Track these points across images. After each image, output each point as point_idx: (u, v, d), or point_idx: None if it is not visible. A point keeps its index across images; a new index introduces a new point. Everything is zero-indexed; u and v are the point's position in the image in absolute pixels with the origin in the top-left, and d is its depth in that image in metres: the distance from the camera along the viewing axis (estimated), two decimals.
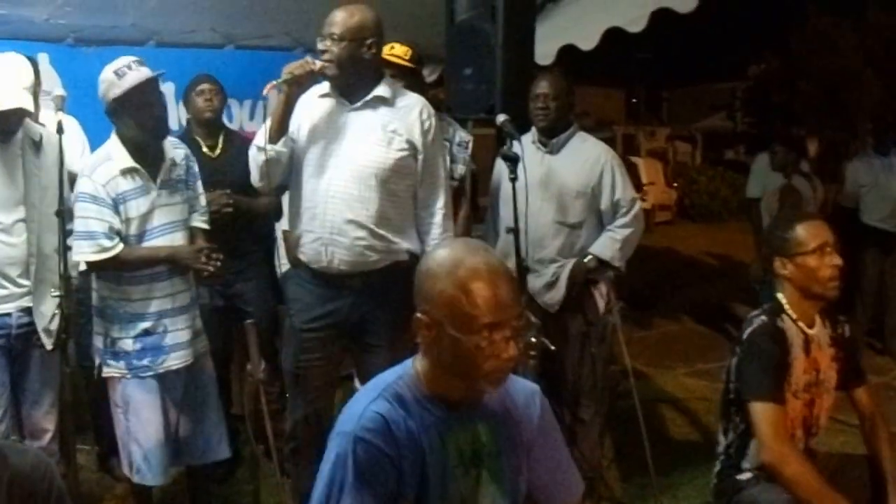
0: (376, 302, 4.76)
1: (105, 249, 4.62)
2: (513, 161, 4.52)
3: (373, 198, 4.67)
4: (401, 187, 4.74)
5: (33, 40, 6.47)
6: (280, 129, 4.65)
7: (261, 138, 4.67)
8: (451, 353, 2.60)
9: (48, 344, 4.71)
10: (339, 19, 4.59)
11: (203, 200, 5.06)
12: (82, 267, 5.04)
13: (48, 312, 4.72)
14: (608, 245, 5.58)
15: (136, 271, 4.72)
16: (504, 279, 2.63)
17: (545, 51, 7.39)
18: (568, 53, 8.01)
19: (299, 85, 4.62)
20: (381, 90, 4.73)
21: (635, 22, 7.53)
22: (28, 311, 4.76)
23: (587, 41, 7.74)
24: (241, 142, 5.88)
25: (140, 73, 4.65)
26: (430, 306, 2.61)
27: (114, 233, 4.63)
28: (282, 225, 5.65)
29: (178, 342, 4.82)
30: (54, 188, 4.63)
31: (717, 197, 28.68)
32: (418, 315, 2.63)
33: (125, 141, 4.72)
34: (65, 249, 4.48)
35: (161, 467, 4.81)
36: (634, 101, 41.91)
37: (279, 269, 5.72)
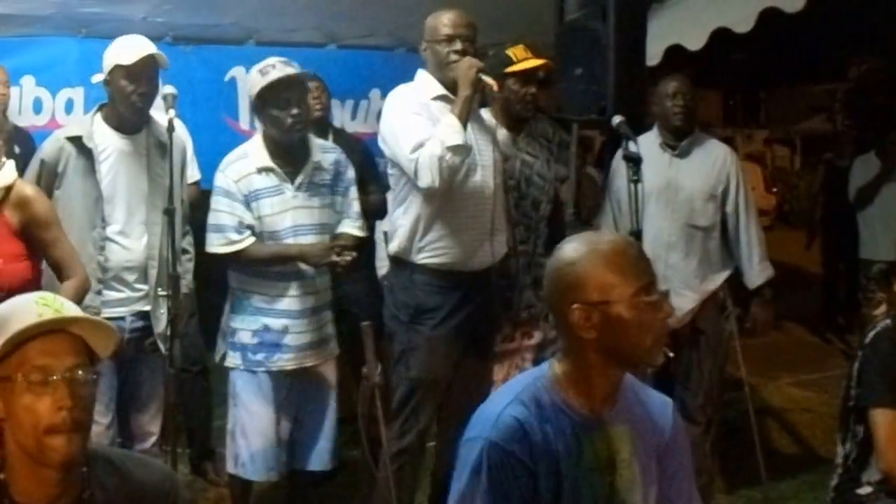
0: (493, 301, 4.85)
1: (232, 243, 4.70)
2: (635, 162, 4.44)
3: (497, 191, 4.78)
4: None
5: None
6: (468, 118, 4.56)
7: (451, 137, 4.45)
8: (613, 332, 2.57)
9: (163, 349, 4.66)
10: (468, 20, 4.63)
11: (357, 207, 5.00)
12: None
13: (165, 318, 4.66)
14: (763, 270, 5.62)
15: (265, 267, 4.75)
16: (634, 246, 2.74)
17: (652, 51, 7.23)
18: (665, 54, 7.88)
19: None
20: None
21: (743, 22, 7.30)
22: (142, 315, 4.71)
23: (695, 41, 7.54)
24: (349, 140, 5.80)
25: (281, 71, 4.67)
26: (581, 293, 2.58)
27: (243, 227, 4.69)
28: (382, 225, 5.61)
29: (298, 344, 4.80)
30: (176, 190, 4.63)
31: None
32: (573, 308, 2.58)
33: (267, 140, 4.76)
34: (174, 248, 4.54)
35: (264, 464, 4.81)
36: (731, 102, 41.24)
37: (378, 270, 5.70)
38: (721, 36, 7.45)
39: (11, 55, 6.27)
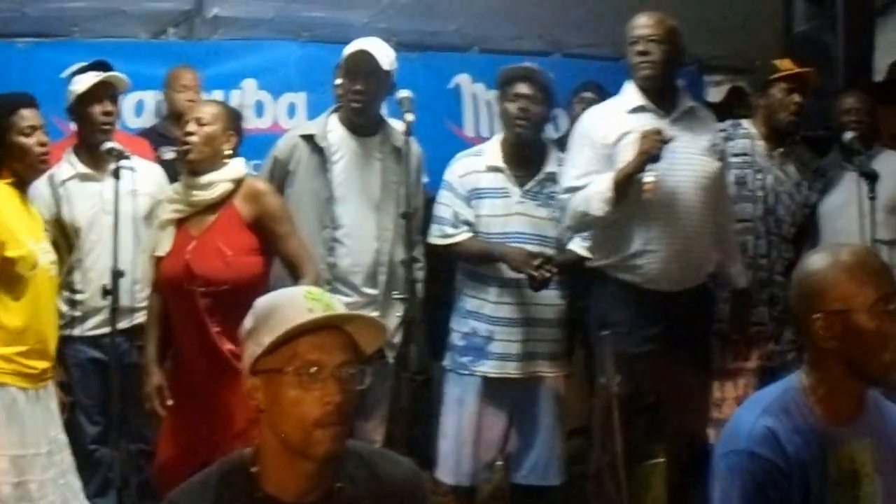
0: (694, 318, 4.67)
1: (447, 236, 4.74)
2: (872, 178, 4.40)
3: (705, 212, 4.58)
4: (715, 201, 4.67)
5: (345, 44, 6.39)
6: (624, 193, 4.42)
7: (596, 206, 4.44)
8: (853, 342, 2.55)
9: (389, 357, 4.58)
10: (655, 21, 4.50)
11: None
12: None
13: (394, 325, 4.56)
14: None
15: (474, 265, 4.74)
16: (876, 256, 2.78)
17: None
18: None
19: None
20: (690, 102, 4.69)
21: None
22: None
23: None
24: None
25: (519, 65, 4.76)
26: (822, 302, 2.58)
27: (459, 222, 4.71)
28: None
29: (506, 352, 4.72)
30: (415, 197, 4.64)
31: None
32: (814, 317, 2.58)
33: (504, 141, 4.77)
34: (411, 252, 4.51)
35: (465, 469, 4.76)
36: None
37: None
38: None
39: (233, 58, 6.32)
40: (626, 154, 4.43)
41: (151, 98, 6.25)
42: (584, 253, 4.73)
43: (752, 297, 4.94)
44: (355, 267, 4.61)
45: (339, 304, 2.36)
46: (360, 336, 2.31)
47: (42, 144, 4.05)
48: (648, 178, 4.35)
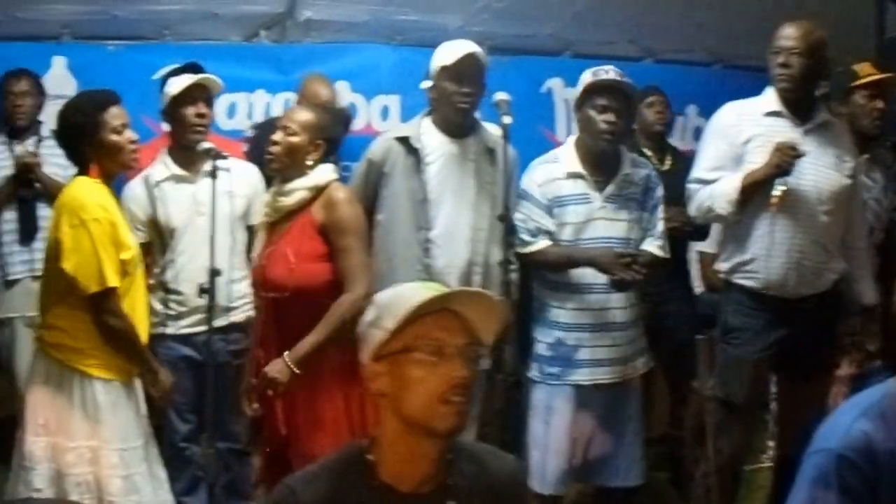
0: (819, 326, 4.60)
1: (525, 244, 4.62)
2: None
3: (829, 225, 4.55)
4: (843, 216, 4.63)
5: None
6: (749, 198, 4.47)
7: (720, 205, 4.53)
8: None
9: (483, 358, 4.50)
10: (800, 33, 4.45)
11: (661, 226, 4.78)
12: None
13: None
14: None
15: (557, 272, 4.63)
16: None
17: None
18: None
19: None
20: (826, 115, 4.65)
21: None
22: None
23: None
24: (685, 159, 5.63)
25: (608, 76, 4.59)
26: None
27: (538, 231, 4.61)
28: (698, 246, 5.61)
29: (594, 358, 4.65)
30: (508, 199, 4.59)
31: None
32: None
33: (579, 145, 4.67)
34: (506, 254, 4.53)
35: (557, 478, 4.67)
36: None
37: (695, 289, 5.75)
38: None
39: (325, 61, 6.27)
40: (755, 155, 4.45)
41: (244, 100, 6.27)
42: (660, 253, 4.71)
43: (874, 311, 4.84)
44: (450, 268, 4.59)
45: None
46: (480, 322, 2.35)
47: (132, 142, 4.07)
48: (777, 190, 4.36)
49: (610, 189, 4.62)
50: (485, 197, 4.62)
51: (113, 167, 4.08)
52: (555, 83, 6.82)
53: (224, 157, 4.49)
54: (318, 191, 4.21)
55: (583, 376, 4.65)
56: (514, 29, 6.52)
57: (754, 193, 4.41)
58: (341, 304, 4.13)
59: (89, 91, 4.30)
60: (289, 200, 4.22)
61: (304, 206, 4.22)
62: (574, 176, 4.62)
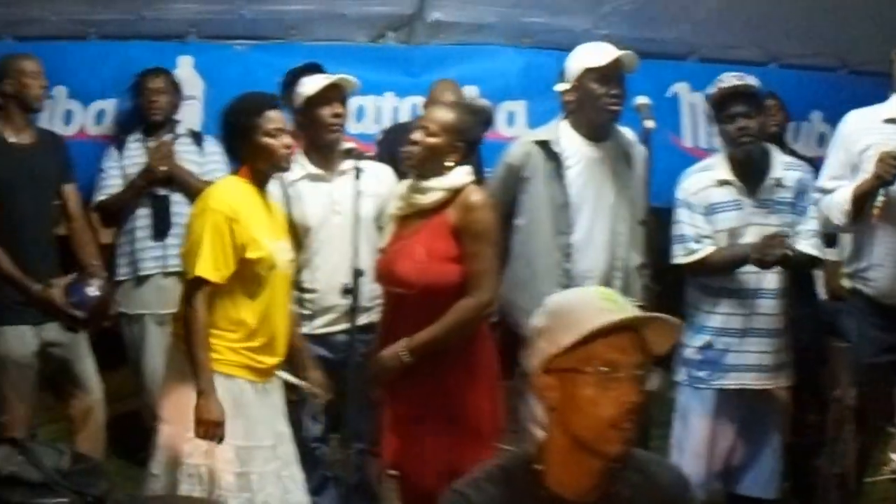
0: None
1: (691, 252, 4.67)
2: None
3: None
4: None
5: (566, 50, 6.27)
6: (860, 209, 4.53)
7: (834, 215, 4.63)
8: None
9: None
10: None
11: (812, 225, 4.73)
12: None
13: None
14: None
15: (725, 273, 4.65)
16: None
17: None
18: None
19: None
20: None
21: None
22: None
23: None
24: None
25: (729, 83, 4.63)
26: None
27: (701, 237, 4.66)
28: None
29: (740, 363, 4.67)
30: (642, 202, 4.60)
31: None
32: None
33: (730, 156, 4.69)
34: (649, 259, 4.58)
35: (697, 482, 4.54)
36: None
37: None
38: None
39: (452, 63, 6.25)
40: (870, 164, 4.45)
41: (372, 103, 6.27)
42: (814, 252, 4.69)
43: None
44: (590, 272, 4.54)
45: (630, 304, 2.35)
46: (654, 337, 2.31)
47: (286, 147, 4.09)
48: (878, 201, 4.39)
49: (760, 194, 4.64)
50: (623, 201, 4.60)
51: (265, 169, 4.12)
52: (681, 87, 6.76)
53: (365, 158, 4.50)
54: (455, 192, 4.17)
55: (729, 381, 4.67)
56: (640, 32, 6.41)
57: (864, 204, 4.46)
58: (464, 307, 4.10)
59: (252, 93, 4.30)
60: (425, 199, 4.18)
61: (439, 206, 4.17)
62: (724, 183, 4.65)
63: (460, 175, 4.20)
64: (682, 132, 6.81)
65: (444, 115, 4.22)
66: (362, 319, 4.54)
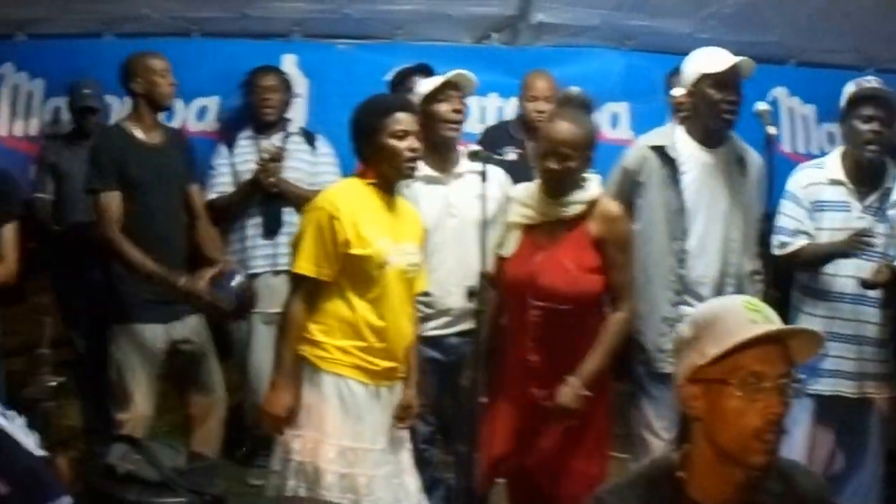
0: None
1: (783, 245, 4.72)
2: None
3: None
4: None
5: (674, 53, 6.22)
6: None
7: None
8: None
9: None
10: None
11: None
12: None
13: None
14: None
15: (813, 269, 4.72)
16: None
17: None
18: None
19: None
20: None
21: None
22: None
23: None
24: None
25: (868, 86, 4.67)
26: None
27: (798, 232, 4.70)
28: None
29: (838, 370, 4.66)
30: (756, 209, 4.61)
31: None
32: None
33: (844, 155, 4.73)
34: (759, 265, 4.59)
35: None
36: None
37: None
38: None
39: (555, 65, 6.19)
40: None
41: (475, 104, 6.26)
42: None
43: None
44: (703, 278, 4.52)
45: (775, 316, 2.33)
46: (798, 350, 2.30)
47: (411, 150, 4.04)
48: None
49: (870, 200, 4.65)
50: (736, 207, 4.57)
51: (388, 172, 4.07)
52: (779, 92, 6.72)
53: (493, 161, 4.47)
54: (591, 204, 4.20)
55: (825, 387, 4.64)
56: (740, 36, 6.33)
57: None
58: (617, 323, 4.18)
59: (382, 94, 4.36)
60: (566, 211, 4.19)
61: (578, 217, 4.20)
62: (835, 182, 4.67)
63: (595, 186, 4.23)
64: (781, 136, 6.68)
65: (574, 133, 4.14)
66: (472, 323, 4.47)
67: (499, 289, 4.35)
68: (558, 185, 4.16)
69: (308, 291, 3.98)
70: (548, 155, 4.13)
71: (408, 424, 4.26)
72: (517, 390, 4.26)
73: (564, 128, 4.13)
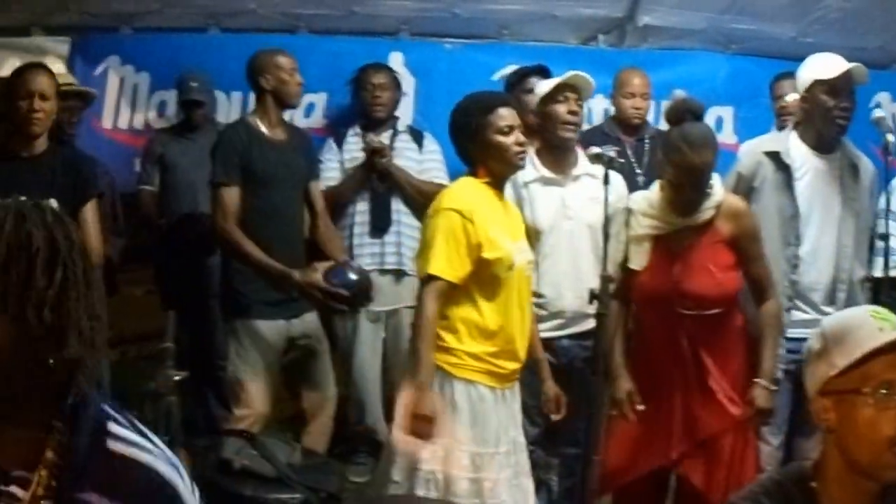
0: None
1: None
2: None
3: None
4: None
5: (778, 58, 6.21)
6: None
7: None
8: None
9: None
10: None
11: None
12: None
13: None
14: None
15: None
16: None
17: None
18: None
19: None
20: None
21: None
22: None
23: None
24: None
25: None
26: None
27: None
28: None
29: None
30: (868, 216, 4.67)
31: None
32: None
33: None
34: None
35: None
36: None
37: None
38: None
39: (661, 68, 6.22)
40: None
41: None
42: None
43: None
44: (816, 284, 4.55)
45: None
46: None
47: (519, 144, 4.03)
48: None
49: None
50: (849, 213, 4.58)
51: (498, 168, 4.07)
52: (882, 97, 6.54)
53: (615, 165, 4.47)
54: (718, 205, 4.25)
55: None
56: (845, 40, 6.26)
57: None
58: (772, 314, 4.30)
59: (481, 92, 4.31)
60: (697, 218, 4.23)
61: (708, 220, 4.24)
62: None
63: (720, 188, 4.26)
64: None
65: (710, 159, 4.18)
66: (585, 326, 4.59)
67: (623, 300, 4.40)
68: (696, 204, 4.20)
69: (441, 294, 3.93)
70: (687, 183, 4.17)
71: (562, 413, 4.37)
72: (655, 401, 4.29)
73: (702, 155, 4.13)
